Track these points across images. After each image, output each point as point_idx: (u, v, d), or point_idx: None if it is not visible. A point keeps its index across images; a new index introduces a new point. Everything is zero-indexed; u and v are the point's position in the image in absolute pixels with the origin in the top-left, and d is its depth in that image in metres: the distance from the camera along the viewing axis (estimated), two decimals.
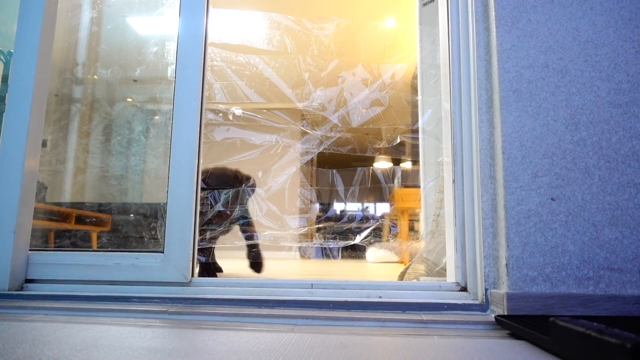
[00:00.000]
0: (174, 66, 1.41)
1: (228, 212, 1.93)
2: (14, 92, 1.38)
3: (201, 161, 1.37)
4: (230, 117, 2.10)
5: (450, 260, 1.26)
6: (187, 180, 1.32)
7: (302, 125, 1.89)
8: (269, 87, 2.11)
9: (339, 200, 1.98)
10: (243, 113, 2.11)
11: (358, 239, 1.90)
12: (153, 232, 2.11)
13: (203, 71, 1.39)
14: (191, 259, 1.29)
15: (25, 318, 1.05)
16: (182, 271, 1.27)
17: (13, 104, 1.37)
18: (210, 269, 1.94)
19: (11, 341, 0.80)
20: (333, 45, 2.18)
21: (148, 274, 1.28)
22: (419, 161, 1.89)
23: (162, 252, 1.30)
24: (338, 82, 2.07)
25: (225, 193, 1.90)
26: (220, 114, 2.06)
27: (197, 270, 1.91)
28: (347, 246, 1.89)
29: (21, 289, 1.31)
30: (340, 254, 1.86)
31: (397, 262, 3.09)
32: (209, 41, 1.44)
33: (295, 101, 2.01)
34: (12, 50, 1.44)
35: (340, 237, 1.87)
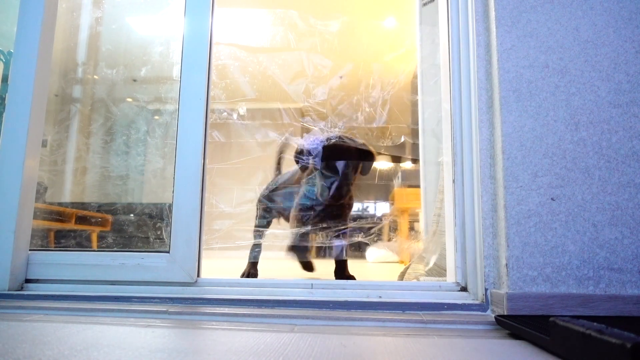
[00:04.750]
0: (177, 66, 1.41)
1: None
2: (14, 92, 1.38)
3: (207, 161, 1.37)
4: (235, 116, 2.10)
5: (450, 260, 1.26)
6: (192, 180, 1.32)
7: (305, 121, 1.88)
8: (271, 85, 2.11)
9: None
10: (247, 111, 2.11)
11: (363, 237, 1.90)
12: (159, 232, 2.11)
13: (208, 71, 1.39)
14: (197, 258, 1.29)
15: (25, 318, 1.05)
16: (188, 271, 1.27)
17: (13, 104, 1.37)
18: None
19: (11, 341, 0.80)
20: (337, 42, 2.19)
21: (154, 274, 1.28)
22: (419, 161, 1.89)
23: (168, 252, 1.30)
24: (339, 81, 2.07)
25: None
26: (225, 113, 2.06)
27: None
28: (347, 246, 1.89)
29: (21, 288, 1.31)
30: (345, 253, 1.84)
31: (397, 262, 3.09)
32: (214, 41, 1.44)
33: (297, 98, 2.01)
34: (12, 50, 1.44)
35: (343, 236, 1.86)
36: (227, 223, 2.00)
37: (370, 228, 1.94)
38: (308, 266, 1.96)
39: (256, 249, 1.90)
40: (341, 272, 1.72)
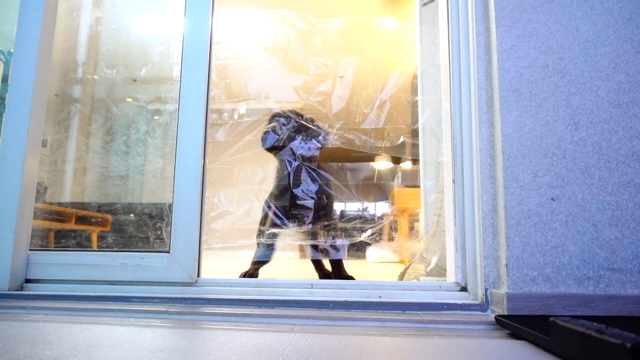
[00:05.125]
0: (177, 66, 1.41)
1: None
2: (14, 92, 1.38)
3: (207, 161, 1.37)
4: (236, 116, 2.10)
5: (450, 260, 1.26)
6: (192, 180, 1.32)
7: (304, 120, 1.88)
8: (272, 82, 2.12)
9: (340, 198, 1.97)
10: (247, 110, 2.11)
11: (363, 236, 1.89)
12: (159, 232, 2.11)
13: (209, 71, 1.39)
14: (197, 258, 1.29)
15: (25, 318, 1.05)
16: (188, 271, 1.27)
17: (13, 104, 1.37)
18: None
19: (11, 341, 0.80)
20: (337, 42, 2.19)
21: (154, 274, 1.28)
22: (419, 161, 1.89)
23: (168, 252, 1.30)
24: (338, 81, 2.08)
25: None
26: (226, 114, 2.06)
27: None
28: (347, 246, 1.88)
29: (21, 288, 1.31)
30: (345, 253, 1.83)
31: (397, 262, 3.09)
32: (214, 41, 1.44)
33: (297, 96, 2.02)
34: (12, 50, 1.44)
35: (345, 234, 1.86)
36: (227, 222, 2.00)
37: (370, 228, 1.94)
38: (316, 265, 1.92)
39: (258, 248, 1.89)
40: (338, 272, 1.71)
